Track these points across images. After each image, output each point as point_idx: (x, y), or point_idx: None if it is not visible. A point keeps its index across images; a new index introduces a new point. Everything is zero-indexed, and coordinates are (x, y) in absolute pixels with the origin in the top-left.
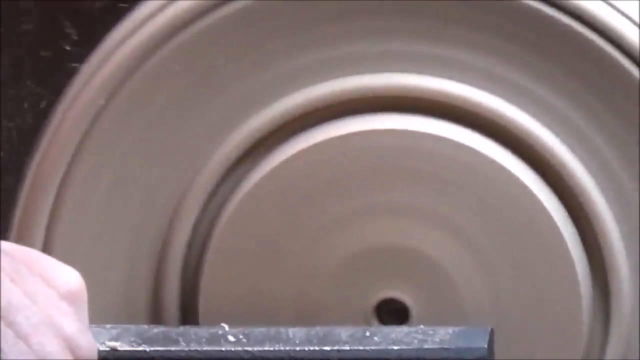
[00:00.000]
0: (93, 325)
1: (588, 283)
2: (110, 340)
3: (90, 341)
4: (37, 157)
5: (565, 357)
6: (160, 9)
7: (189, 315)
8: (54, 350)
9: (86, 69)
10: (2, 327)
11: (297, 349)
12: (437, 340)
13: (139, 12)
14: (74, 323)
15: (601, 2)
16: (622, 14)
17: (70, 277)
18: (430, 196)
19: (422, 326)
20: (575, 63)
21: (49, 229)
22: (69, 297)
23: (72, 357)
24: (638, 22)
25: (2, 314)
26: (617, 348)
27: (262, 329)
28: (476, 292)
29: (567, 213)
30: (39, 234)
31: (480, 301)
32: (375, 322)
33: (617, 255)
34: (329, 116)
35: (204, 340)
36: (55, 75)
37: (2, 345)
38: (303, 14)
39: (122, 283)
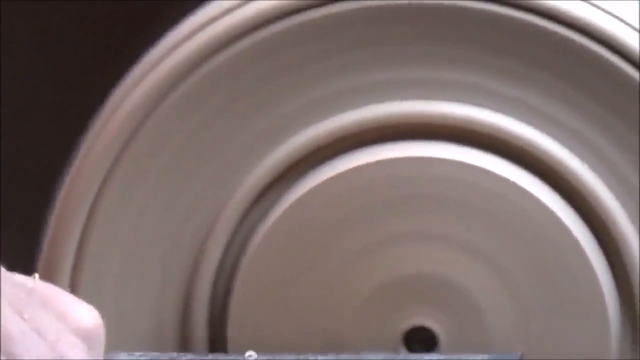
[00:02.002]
0: (124, 353)
1: (617, 311)
2: None
3: None
4: (67, 181)
5: None
6: (194, 33)
7: (217, 343)
8: None
9: (117, 92)
10: (2, 357)
11: None
12: None
13: (167, 41)
14: (82, 357)
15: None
16: None
17: (86, 315)
18: (457, 224)
19: (451, 355)
20: (597, 85)
21: (78, 255)
22: (82, 334)
23: None
24: None
25: (4, 347)
26: None
27: (290, 357)
28: (505, 320)
29: (596, 242)
30: (68, 262)
31: (509, 329)
32: (404, 350)
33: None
34: (355, 144)
35: None
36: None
37: None
38: (328, 43)
39: (151, 311)
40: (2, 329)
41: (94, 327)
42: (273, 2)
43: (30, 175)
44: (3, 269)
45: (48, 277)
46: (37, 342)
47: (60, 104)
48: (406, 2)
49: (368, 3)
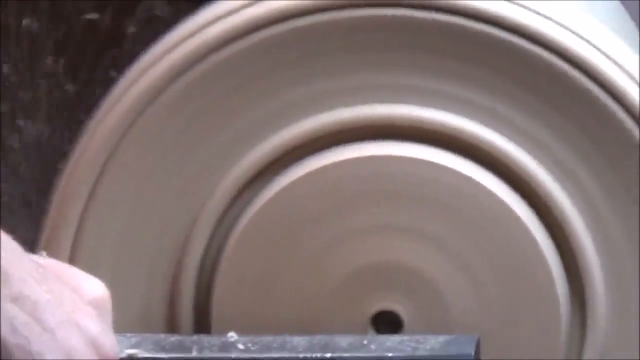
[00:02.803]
0: (115, 333)
1: (566, 297)
2: (130, 347)
3: (113, 341)
4: (65, 173)
5: None
6: (181, 41)
7: (202, 325)
8: (77, 345)
9: (114, 92)
10: (30, 321)
11: (301, 356)
12: (428, 347)
13: (162, 44)
14: (97, 324)
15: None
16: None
17: (95, 286)
18: (420, 217)
19: (414, 335)
20: (573, 108)
21: (74, 243)
22: (94, 304)
23: (95, 354)
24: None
25: (30, 311)
26: (592, 355)
27: (269, 338)
28: (463, 305)
29: (548, 234)
30: (65, 250)
31: (466, 312)
32: (372, 331)
33: (593, 272)
34: (327, 144)
35: (215, 347)
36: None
37: (30, 337)
38: (311, 47)
39: (141, 296)
40: (31, 295)
41: (103, 298)
42: (253, 14)
43: (33, 169)
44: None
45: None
46: (59, 310)
47: (60, 101)
48: (374, 14)
49: (339, 15)
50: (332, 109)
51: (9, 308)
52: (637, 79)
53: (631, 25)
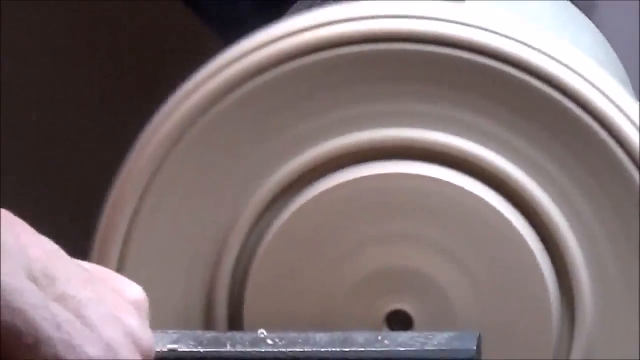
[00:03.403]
0: (158, 330)
1: (557, 301)
2: (171, 343)
3: (150, 336)
4: (116, 184)
5: (538, 357)
6: (215, 72)
7: (235, 323)
8: (117, 336)
9: (159, 114)
10: (73, 318)
11: (322, 349)
12: (435, 342)
13: (200, 74)
14: (136, 319)
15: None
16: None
17: (135, 290)
18: (428, 228)
19: (423, 332)
20: (569, 138)
21: (122, 252)
22: (134, 304)
23: (133, 346)
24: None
25: (73, 308)
26: (580, 350)
27: (294, 334)
28: (465, 305)
29: (540, 241)
30: (115, 254)
31: (469, 312)
32: (386, 329)
33: (582, 280)
34: (350, 162)
35: (247, 343)
36: None
37: (72, 332)
38: (331, 79)
39: (181, 298)
40: (75, 294)
41: (142, 300)
42: (280, 48)
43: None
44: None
45: (99, 262)
46: (101, 307)
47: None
48: (386, 48)
49: (350, 50)
50: (350, 133)
51: (54, 307)
52: (623, 109)
53: (613, 55)
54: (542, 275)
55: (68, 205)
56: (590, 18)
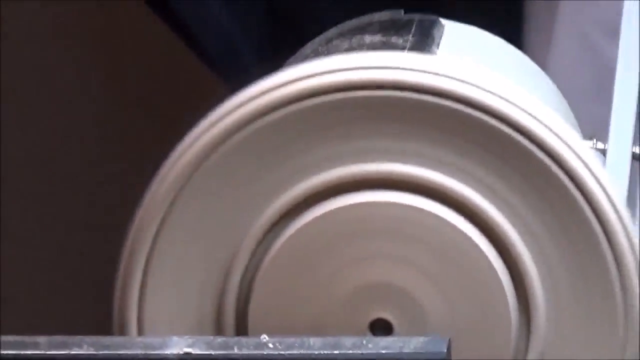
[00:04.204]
0: (176, 336)
1: (515, 307)
2: (187, 347)
3: None
4: (141, 206)
5: (499, 357)
6: (227, 113)
7: (241, 330)
8: None
9: (173, 154)
10: None
11: (316, 352)
12: (412, 346)
13: (209, 118)
14: None
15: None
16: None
17: None
18: (406, 249)
19: (401, 337)
20: (532, 177)
21: (146, 268)
22: None
23: None
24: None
25: None
26: (535, 353)
27: (292, 339)
28: (437, 314)
29: (503, 263)
30: (139, 270)
31: (440, 320)
32: (370, 334)
33: (535, 289)
34: (341, 191)
35: (251, 346)
36: None
37: None
38: (330, 119)
39: (196, 309)
40: None
41: None
42: (270, 97)
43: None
44: None
45: (125, 276)
46: None
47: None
48: (362, 95)
49: (338, 96)
50: (338, 167)
51: None
52: (575, 149)
53: (565, 102)
54: (502, 289)
55: (94, 237)
56: (544, 70)
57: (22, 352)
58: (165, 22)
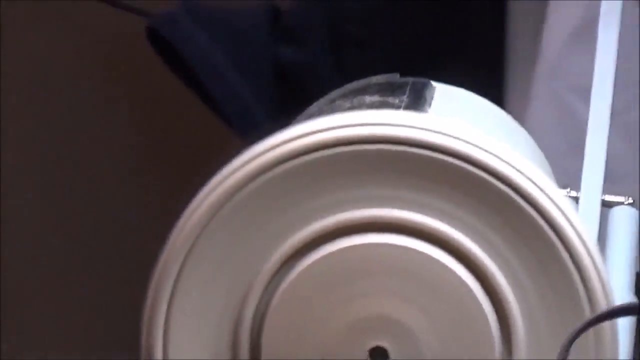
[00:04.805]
0: None
1: (497, 335)
2: None
3: None
4: (161, 257)
5: None
6: (242, 165)
7: (255, 359)
8: None
9: (192, 202)
10: None
11: None
12: None
13: (231, 165)
14: None
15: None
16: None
17: None
18: (401, 285)
19: None
20: (513, 222)
21: (169, 308)
22: None
23: None
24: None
25: None
26: None
27: None
28: (430, 343)
29: (487, 297)
30: (163, 311)
31: (432, 348)
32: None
33: (516, 320)
34: (343, 234)
35: None
36: None
37: None
38: (333, 170)
39: (214, 339)
40: None
41: None
42: (280, 151)
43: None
44: None
45: (151, 312)
46: None
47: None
48: (360, 149)
49: (340, 150)
50: (344, 211)
51: None
52: (551, 197)
53: (541, 154)
54: (486, 319)
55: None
56: (523, 127)
57: None
58: (189, 88)
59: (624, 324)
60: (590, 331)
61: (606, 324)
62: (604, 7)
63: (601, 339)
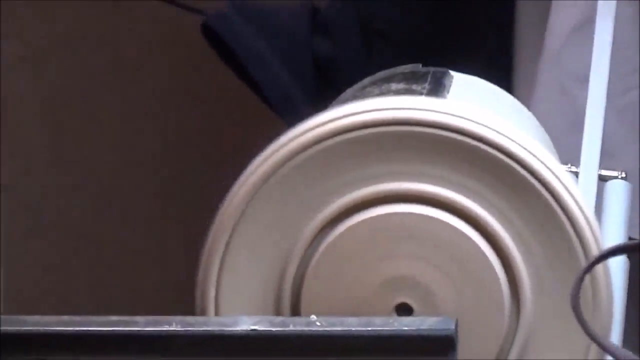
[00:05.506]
0: (244, 316)
1: (507, 296)
2: (253, 324)
3: None
4: (216, 220)
5: (495, 336)
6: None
7: (295, 312)
8: None
9: (241, 176)
10: None
11: (352, 329)
12: (428, 324)
13: (276, 143)
14: None
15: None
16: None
17: None
18: (425, 250)
19: (419, 317)
20: (525, 197)
21: (220, 267)
22: None
23: None
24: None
25: None
26: (522, 333)
27: (334, 318)
28: (448, 301)
29: (498, 260)
30: (215, 270)
31: (450, 305)
32: (395, 315)
33: (524, 282)
34: (372, 204)
35: (304, 324)
36: None
37: None
38: (365, 148)
39: (260, 296)
40: None
41: None
42: (320, 131)
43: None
44: None
45: (205, 270)
46: None
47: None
48: (390, 130)
49: (372, 131)
50: (376, 184)
51: None
52: (556, 173)
53: (547, 137)
54: (498, 280)
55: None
56: (528, 109)
57: (125, 329)
58: (239, 77)
59: (617, 265)
60: (587, 276)
61: (599, 270)
62: (600, 6)
63: (596, 281)
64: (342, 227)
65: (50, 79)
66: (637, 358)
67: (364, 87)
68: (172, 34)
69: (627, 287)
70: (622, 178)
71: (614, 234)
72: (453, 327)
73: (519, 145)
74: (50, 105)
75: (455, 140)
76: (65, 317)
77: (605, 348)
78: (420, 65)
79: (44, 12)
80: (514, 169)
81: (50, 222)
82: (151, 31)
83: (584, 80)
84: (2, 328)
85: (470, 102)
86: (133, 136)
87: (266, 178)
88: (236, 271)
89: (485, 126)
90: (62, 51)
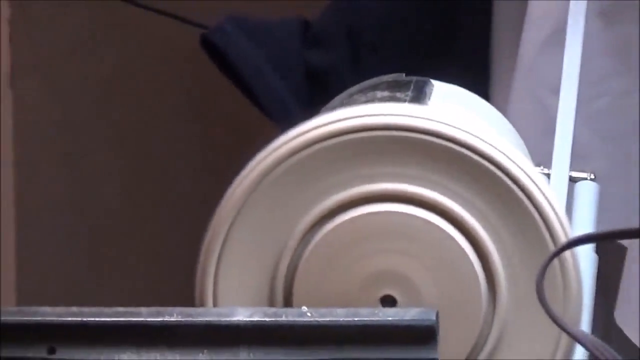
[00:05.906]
0: (239, 307)
1: (484, 288)
2: (248, 315)
3: None
4: (214, 218)
5: (472, 326)
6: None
7: (287, 304)
8: None
9: (240, 175)
10: None
11: (340, 319)
12: (410, 315)
13: (270, 146)
14: None
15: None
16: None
17: None
18: (407, 245)
19: (403, 308)
20: (501, 196)
21: (218, 262)
22: None
23: None
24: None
25: None
26: (498, 325)
27: (323, 309)
28: (429, 293)
29: (475, 255)
30: (213, 265)
31: (432, 297)
32: (380, 306)
33: (499, 275)
34: (359, 204)
35: (295, 314)
36: None
37: None
38: (352, 150)
39: (253, 288)
40: None
41: None
42: (310, 135)
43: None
44: None
45: (204, 265)
46: None
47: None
48: (374, 134)
49: (361, 135)
50: (361, 185)
51: None
52: (530, 175)
53: (520, 139)
54: (475, 275)
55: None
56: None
57: (129, 319)
58: (236, 86)
59: (586, 258)
60: (556, 263)
61: (568, 257)
62: (570, 18)
63: (565, 268)
64: (330, 225)
65: (62, 86)
66: (603, 344)
67: (351, 95)
68: (173, 45)
69: (595, 280)
70: (591, 179)
71: (583, 230)
72: (434, 317)
73: (494, 147)
74: (61, 112)
75: (435, 143)
76: (74, 308)
77: (571, 333)
78: (404, 75)
79: (55, 20)
80: (490, 170)
81: (60, 224)
82: (152, 42)
83: (557, 90)
84: (16, 318)
85: (449, 108)
86: (138, 140)
87: (260, 180)
88: (233, 266)
89: (464, 131)
90: (70, 59)
